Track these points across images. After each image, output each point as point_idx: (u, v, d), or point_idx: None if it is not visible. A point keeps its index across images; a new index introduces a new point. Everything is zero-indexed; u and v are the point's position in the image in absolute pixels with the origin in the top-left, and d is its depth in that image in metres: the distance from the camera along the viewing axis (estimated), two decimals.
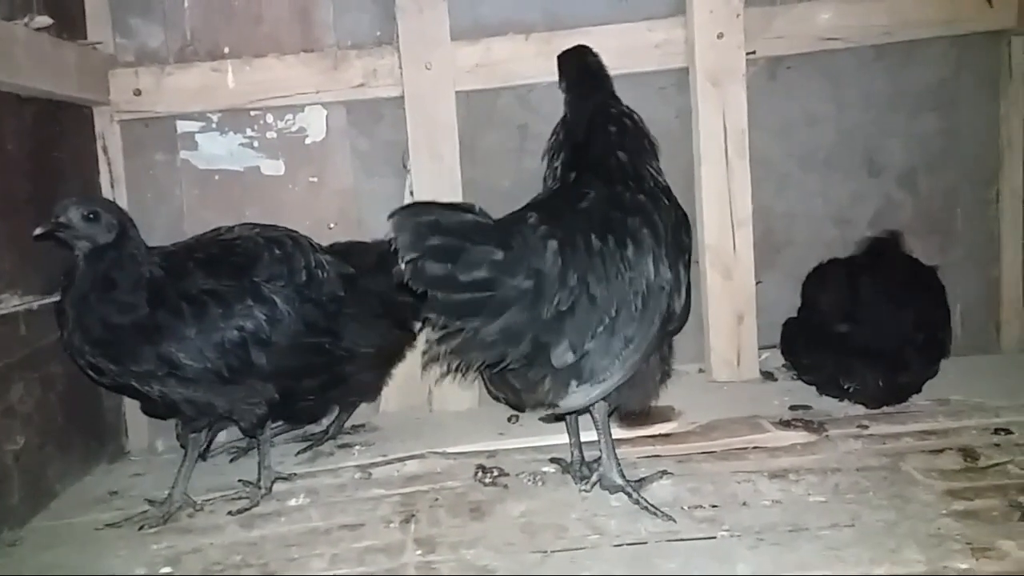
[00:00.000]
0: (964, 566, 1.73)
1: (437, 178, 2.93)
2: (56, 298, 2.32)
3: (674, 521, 2.02)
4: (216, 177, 3.02)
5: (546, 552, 1.94)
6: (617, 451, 2.22)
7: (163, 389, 2.26)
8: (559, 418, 2.39)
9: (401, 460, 2.56)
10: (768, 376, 3.04)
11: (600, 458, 2.22)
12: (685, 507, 2.10)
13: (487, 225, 1.89)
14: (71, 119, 2.81)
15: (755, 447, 2.44)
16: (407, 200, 2.97)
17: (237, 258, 2.39)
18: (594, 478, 2.23)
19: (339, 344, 2.51)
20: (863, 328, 2.65)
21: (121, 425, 2.94)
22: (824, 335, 2.75)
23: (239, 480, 2.49)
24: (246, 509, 2.32)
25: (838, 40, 2.98)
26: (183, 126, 3.00)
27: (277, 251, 2.42)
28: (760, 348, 3.04)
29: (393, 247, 1.78)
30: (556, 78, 2.61)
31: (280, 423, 2.78)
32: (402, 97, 2.93)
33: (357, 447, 2.73)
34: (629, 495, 2.14)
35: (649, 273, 2.06)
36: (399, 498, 2.32)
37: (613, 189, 2.18)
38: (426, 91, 2.92)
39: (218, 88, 2.94)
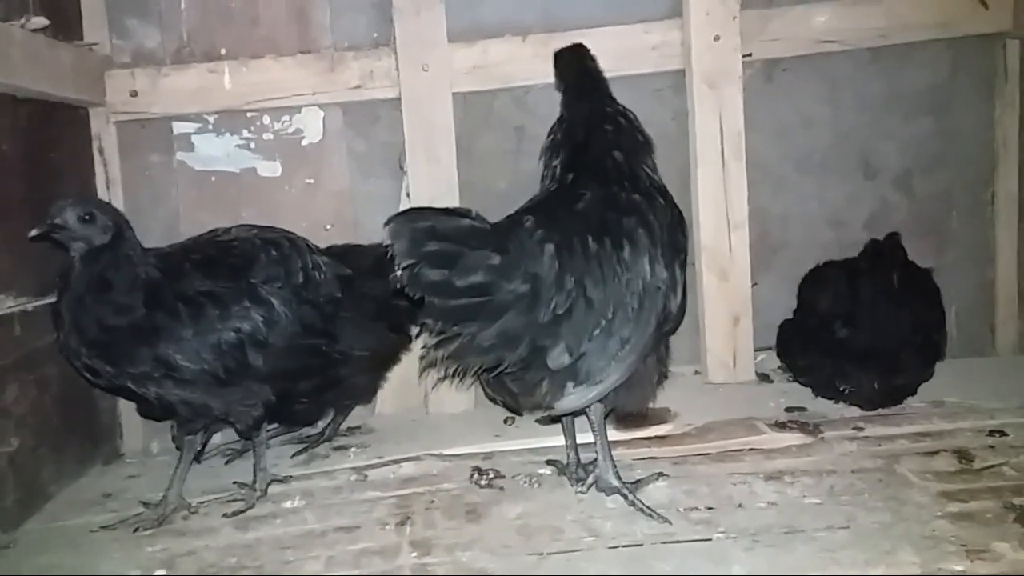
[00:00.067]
0: (959, 568, 1.73)
1: (434, 180, 2.93)
2: (51, 299, 2.31)
3: (670, 523, 2.03)
4: (212, 178, 3.02)
5: (542, 554, 1.94)
6: (613, 453, 2.23)
7: (160, 391, 2.26)
8: (555, 420, 2.39)
9: (397, 462, 2.56)
10: (764, 378, 3.05)
11: (596, 460, 2.22)
12: (681, 509, 2.10)
13: (483, 230, 1.89)
14: (67, 120, 2.80)
15: (751, 449, 2.44)
16: (403, 201, 2.97)
17: (234, 259, 2.39)
18: (590, 480, 2.24)
19: (335, 346, 2.50)
20: (859, 330, 2.65)
21: (116, 427, 2.94)
22: (820, 337, 2.75)
23: (234, 482, 2.49)
24: (241, 511, 2.32)
25: (834, 43, 2.99)
26: (179, 127, 3.00)
27: (274, 252, 2.42)
28: (756, 350, 3.04)
29: (389, 253, 1.78)
30: (553, 80, 2.61)
31: (275, 425, 2.78)
32: (399, 99, 2.93)
33: (353, 449, 2.73)
34: (625, 497, 2.14)
35: (645, 273, 2.07)
36: (395, 500, 2.32)
37: (609, 189, 2.18)
38: (423, 93, 2.91)
39: (214, 89, 2.94)
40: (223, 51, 2.98)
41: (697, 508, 2.10)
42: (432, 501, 2.29)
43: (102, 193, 2.92)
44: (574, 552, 1.94)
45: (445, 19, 2.90)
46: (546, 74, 2.69)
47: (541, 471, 2.42)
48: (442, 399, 3.01)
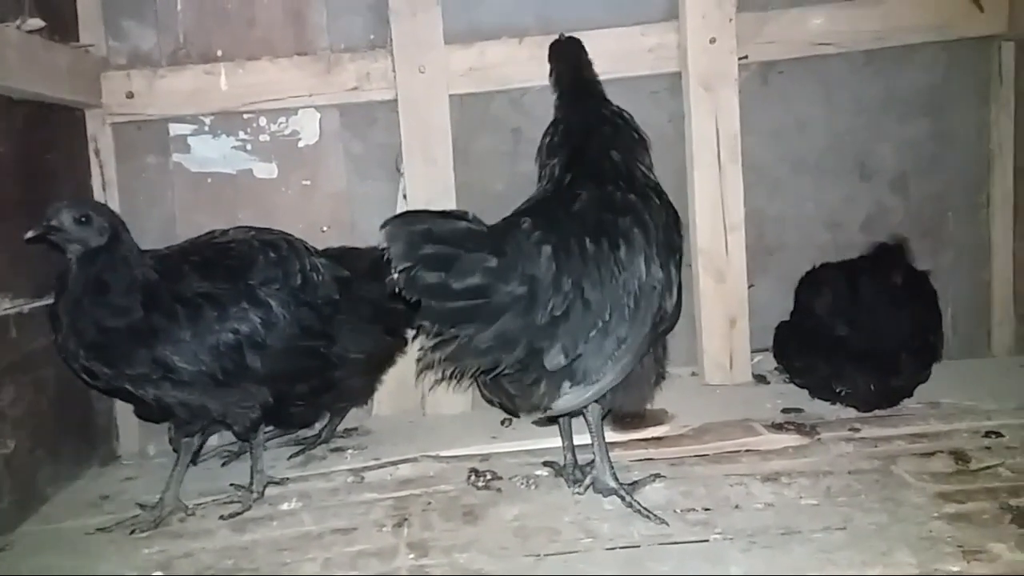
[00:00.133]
0: (955, 569, 1.74)
1: (430, 181, 2.93)
2: (47, 301, 2.31)
3: (667, 524, 2.03)
4: (209, 180, 3.01)
5: (539, 556, 1.94)
6: (610, 454, 2.23)
7: (157, 392, 2.25)
8: (552, 421, 2.39)
9: (394, 464, 2.56)
10: (760, 379, 3.05)
11: (593, 461, 2.23)
12: (678, 510, 2.10)
13: (480, 232, 1.89)
14: (63, 122, 2.80)
15: (747, 450, 2.44)
16: (400, 203, 2.97)
17: (232, 261, 2.39)
18: (587, 481, 2.24)
19: (332, 348, 2.50)
20: (855, 332, 2.66)
21: (112, 429, 2.93)
22: (816, 338, 2.76)
23: (231, 484, 2.49)
24: (238, 513, 2.32)
25: (830, 45, 2.99)
26: (176, 129, 2.99)
27: (272, 254, 2.42)
28: (753, 351, 3.04)
29: (386, 257, 1.78)
30: (548, 82, 2.61)
31: (272, 427, 2.77)
32: (395, 100, 2.93)
33: (350, 451, 2.73)
34: (622, 498, 2.14)
35: (641, 273, 2.07)
36: (392, 502, 2.31)
37: (604, 189, 2.19)
38: (420, 94, 2.92)
39: (211, 91, 2.93)
40: (219, 53, 2.98)
41: (694, 509, 2.10)
42: (429, 503, 2.29)
43: (98, 195, 2.92)
44: (571, 553, 1.94)
45: (442, 21, 2.90)
46: (543, 76, 2.70)
47: (538, 472, 2.42)
48: (439, 401, 3.01)
